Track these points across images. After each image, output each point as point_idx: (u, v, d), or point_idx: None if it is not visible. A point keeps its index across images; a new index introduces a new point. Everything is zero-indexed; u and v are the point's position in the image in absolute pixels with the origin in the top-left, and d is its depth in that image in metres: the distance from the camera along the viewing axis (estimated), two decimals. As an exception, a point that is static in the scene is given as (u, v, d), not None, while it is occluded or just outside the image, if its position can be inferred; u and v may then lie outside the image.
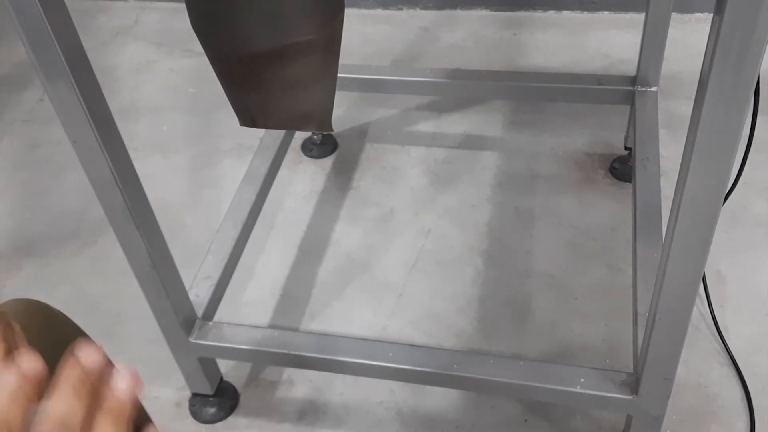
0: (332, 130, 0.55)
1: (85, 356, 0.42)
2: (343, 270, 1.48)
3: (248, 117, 0.54)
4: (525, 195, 1.57)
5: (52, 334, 0.72)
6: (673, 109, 1.69)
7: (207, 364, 1.22)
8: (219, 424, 1.26)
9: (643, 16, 1.88)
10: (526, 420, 1.22)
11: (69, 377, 0.41)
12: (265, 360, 1.21)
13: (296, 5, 0.48)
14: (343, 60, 0.70)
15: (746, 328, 1.30)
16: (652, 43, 1.37)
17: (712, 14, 2.17)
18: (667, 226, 0.81)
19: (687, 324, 0.88)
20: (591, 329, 1.33)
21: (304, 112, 0.54)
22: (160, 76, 2.01)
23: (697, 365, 1.25)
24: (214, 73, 1.77)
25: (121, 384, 0.43)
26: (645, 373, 0.96)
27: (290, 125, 0.54)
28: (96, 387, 0.42)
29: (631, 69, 1.76)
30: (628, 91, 1.44)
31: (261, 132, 1.51)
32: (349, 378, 1.29)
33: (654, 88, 1.43)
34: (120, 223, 0.97)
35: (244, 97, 0.54)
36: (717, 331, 1.29)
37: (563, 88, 1.49)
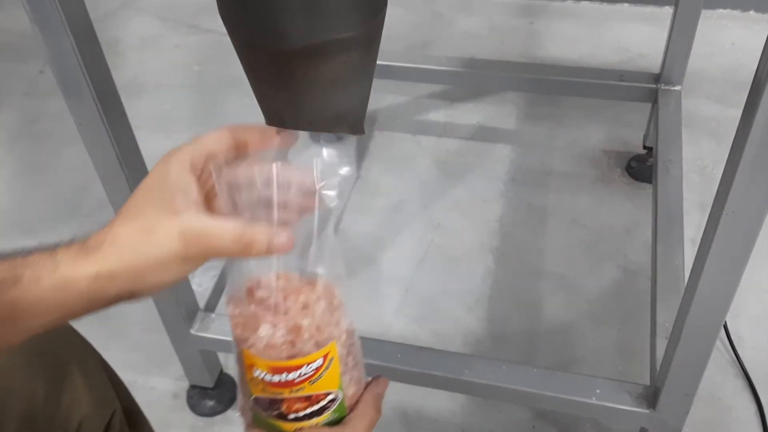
0: (364, 133, 0.51)
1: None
2: (348, 262, 1.43)
3: (277, 116, 0.50)
4: (538, 191, 1.52)
5: (48, 337, 0.68)
6: (691, 108, 1.64)
7: (208, 357, 1.18)
8: (217, 417, 1.23)
9: (664, 10, 1.83)
10: (534, 426, 1.19)
11: None
12: (268, 355, 1.17)
13: None
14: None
15: (762, 339, 1.27)
16: (679, 41, 1.32)
17: (735, 10, 2.09)
18: (702, 239, 0.77)
19: (715, 340, 0.84)
20: (603, 334, 1.29)
21: (337, 113, 0.50)
22: (165, 52, 1.96)
23: (712, 376, 1.22)
24: (220, 52, 1.71)
25: None
26: (665, 388, 0.92)
27: (321, 126, 0.50)
28: None
29: (650, 64, 1.72)
30: (651, 88, 1.40)
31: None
32: (352, 375, 1.25)
33: (678, 87, 1.38)
34: (123, 210, 0.93)
35: (274, 95, 0.50)
36: (730, 342, 1.25)
37: (583, 83, 1.44)
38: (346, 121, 0.50)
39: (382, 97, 1.76)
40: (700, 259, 0.78)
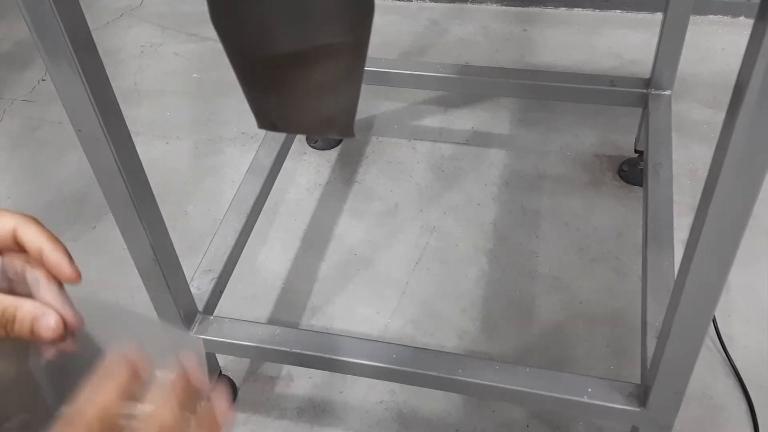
0: (354, 136, 0.53)
1: (192, 370, 0.43)
2: (345, 265, 1.45)
3: (268, 120, 0.52)
4: (531, 195, 1.54)
5: None
6: (682, 113, 1.67)
7: (206, 359, 1.20)
8: (216, 418, 1.24)
9: (656, 16, 1.86)
10: (527, 425, 1.21)
11: (175, 386, 0.41)
12: (266, 357, 1.19)
13: (326, 6, 0.46)
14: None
15: (753, 339, 1.29)
16: (669, 46, 1.35)
17: (725, 17, 2.12)
18: (689, 239, 0.79)
19: (703, 339, 0.86)
20: (595, 334, 1.31)
21: (326, 117, 0.52)
22: (165, 59, 1.98)
23: (703, 375, 1.24)
24: (219, 59, 1.73)
25: (219, 404, 0.43)
26: (655, 386, 0.94)
27: (311, 130, 0.52)
28: (194, 399, 0.42)
29: (642, 70, 1.74)
30: (642, 93, 1.42)
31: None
32: (349, 376, 1.27)
33: (668, 92, 1.41)
34: (123, 215, 0.95)
35: (265, 99, 0.51)
36: (720, 342, 1.27)
37: (575, 88, 1.46)
38: (335, 125, 0.52)
39: (378, 103, 1.78)
40: (686, 259, 0.80)
